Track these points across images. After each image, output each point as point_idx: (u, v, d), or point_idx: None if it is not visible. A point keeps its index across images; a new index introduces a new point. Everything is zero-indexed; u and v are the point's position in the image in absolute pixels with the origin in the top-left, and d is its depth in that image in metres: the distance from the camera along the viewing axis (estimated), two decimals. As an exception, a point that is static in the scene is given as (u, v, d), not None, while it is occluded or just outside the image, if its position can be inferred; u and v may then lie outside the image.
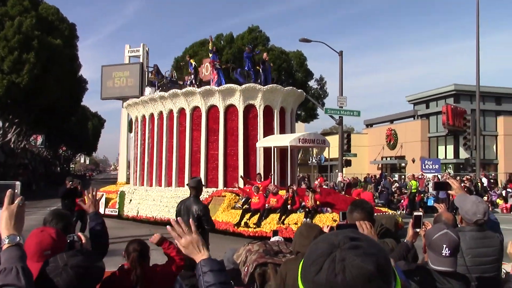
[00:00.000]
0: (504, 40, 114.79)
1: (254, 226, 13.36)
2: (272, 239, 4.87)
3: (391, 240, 3.53)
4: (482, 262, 3.23)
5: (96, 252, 3.03)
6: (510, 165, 35.02)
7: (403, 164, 42.35)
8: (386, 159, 42.13)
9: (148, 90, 20.99)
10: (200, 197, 7.14)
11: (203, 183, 7.60)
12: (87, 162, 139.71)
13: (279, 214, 13.25)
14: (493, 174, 34.32)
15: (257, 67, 17.93)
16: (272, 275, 3.74)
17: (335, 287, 0.99)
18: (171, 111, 18.08)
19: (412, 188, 21.38)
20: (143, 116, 19.84)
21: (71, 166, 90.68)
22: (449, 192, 3.79)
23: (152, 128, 19.17)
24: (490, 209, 20.90)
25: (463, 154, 37.33)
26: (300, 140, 15.63)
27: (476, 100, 27.08)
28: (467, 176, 24.88)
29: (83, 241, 3.02)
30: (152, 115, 19.17)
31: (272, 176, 15.70)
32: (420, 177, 28.87)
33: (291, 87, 17.32)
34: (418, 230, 3.24)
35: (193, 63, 19.03)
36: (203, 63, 20.14)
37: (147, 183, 19.24)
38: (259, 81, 17.56)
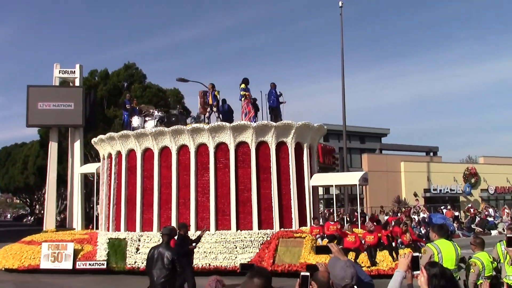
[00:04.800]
0: (367, 78, 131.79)
1: (369, 265, 13.29)
2: None
3: None
4: None
5: None
6: (374, 200, 40.83)
7: (278, 201, 45.03)
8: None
9: (137, 120, 18.23)
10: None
11: (176, 230, 8.88)
12: None
13: (387, 250, 13.60)
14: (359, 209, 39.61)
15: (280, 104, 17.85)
16: None
17: None
18: (202, 145, 16.31)
19: None
20: (146, 150, 17.19)
21: None
22: (329, 255, 3.97)
23: (166, 165, 16.77)
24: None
25: (333, 190, 42.01)
26: (364, 178, 16.19)
27: (343, 139, 31.12)
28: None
29: None
30: (166, 149, 16.83)
31: (334, 215, 15.77)
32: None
33: (325, 126, 17.76)
34: None
35: (217, 95, 17.56)
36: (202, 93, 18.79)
37: (157, 228, 16.53)
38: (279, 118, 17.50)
